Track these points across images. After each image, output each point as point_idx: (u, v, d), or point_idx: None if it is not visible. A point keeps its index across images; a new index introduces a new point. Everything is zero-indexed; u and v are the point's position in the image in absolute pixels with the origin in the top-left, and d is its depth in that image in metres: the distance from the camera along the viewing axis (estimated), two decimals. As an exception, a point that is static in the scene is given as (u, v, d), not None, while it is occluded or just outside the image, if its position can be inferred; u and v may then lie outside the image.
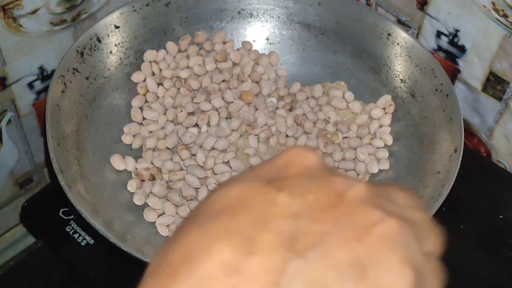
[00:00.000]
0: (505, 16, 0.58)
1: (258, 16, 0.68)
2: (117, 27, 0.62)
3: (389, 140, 0.61)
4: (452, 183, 0.52)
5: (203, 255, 0.23)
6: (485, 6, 0.59)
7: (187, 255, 0.24)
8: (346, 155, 0.60)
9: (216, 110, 0.62)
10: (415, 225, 0.27)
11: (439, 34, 0.65)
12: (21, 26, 0.58)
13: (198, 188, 0.56)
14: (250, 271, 0.23)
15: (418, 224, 0.28)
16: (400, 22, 0.68)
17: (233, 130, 0.61)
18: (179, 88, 0.63)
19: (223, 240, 0.23)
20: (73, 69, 0.58)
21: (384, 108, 0.63)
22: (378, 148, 0.61)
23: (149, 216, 0.55)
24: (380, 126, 0.62)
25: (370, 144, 0.61)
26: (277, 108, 0.63)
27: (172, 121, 0.61)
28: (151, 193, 0.56)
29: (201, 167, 0.58)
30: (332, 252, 0.24)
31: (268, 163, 0.28)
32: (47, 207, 0.63)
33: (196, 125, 0.61)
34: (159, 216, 0.56)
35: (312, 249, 0.24)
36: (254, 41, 0.68)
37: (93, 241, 0.59)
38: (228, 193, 0.26)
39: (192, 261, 0.23)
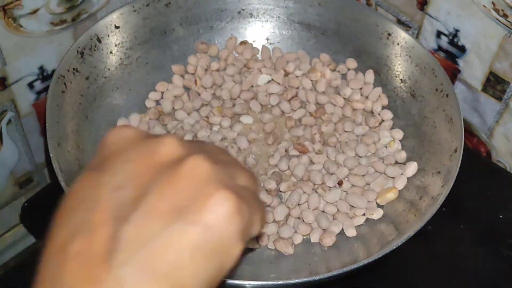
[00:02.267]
0: (505, 16, 0.58)
1: (258, 16, 0.68)
2: (117, 27, 0.62)
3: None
4: (452, 183, 0.52)
5: (58, 253, 0.27)
6: (485, 6, 0.59)
7: (48, 256, 0.28)
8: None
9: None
10: (224, 162, 0.30)
11: (439, 34, 0.65)
12: (21, 26, 0.58)
13: None
14: (91, 249, 0.26)
15: (226, 162, 0.31)
16: (400, 22, 0.68)
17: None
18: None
19: (71, 236, 0.27)
20: (73, 69, 0.58)
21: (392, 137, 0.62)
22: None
23: None
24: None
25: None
26: None
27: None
28: None
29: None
30: (152, 207, 0.27)
31: (97, 150, 0.31)
32: (47, 207, 0.62)
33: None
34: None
35: (134, 212, 0.27)
36: (254, 41, 0.68)
37: (93, 241, 0.59)
38: (71, 190, 0.29)
39: (54, 261, 0.27)
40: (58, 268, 0.27)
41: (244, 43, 0.68)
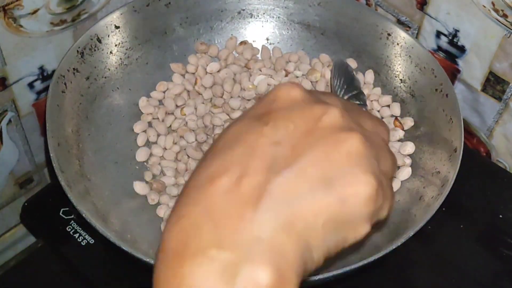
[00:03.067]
0: (504, 16, 0.58)
1: (258, 16, 0.68)
2: (117, 27, 0.62)
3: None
4: (452, 183, 0.52)
5: (209, 183, 0.29)
6: (484, 6, 0.59)
7: (197, 184, 0.29)
8: None
9: None
10: (376, 146, 0.32)
11: (438, 34, 0.66)
12: (21, 26, 0.58)
13: None
14: (240, 190, 0.28)
15: (378, 146, 0.33)
16: (400, 22, 0.68)
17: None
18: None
19: (222, 171, 0.29)
20: (74, 69, 0.59)
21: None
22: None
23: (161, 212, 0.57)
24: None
25: None
26: None
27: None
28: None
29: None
30: (304, 170, 0.29)
31: (260, 100, 0.33)
32: (47, 207, 0.63)
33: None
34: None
35: (287, 169, 0.29)
36: (254, 41, 0.68)
37: (93, 241, 0.60)
38: (228, 131, 0.32)
39: (201, 188, 0.29)
40: (203, 197, 0.29)
41: (244, 43, 0.68)
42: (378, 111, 0.63)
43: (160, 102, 0.64)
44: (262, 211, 0.28)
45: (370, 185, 0.30)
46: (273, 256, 0.27)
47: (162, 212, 0.57)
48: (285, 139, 0.30)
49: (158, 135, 0.61)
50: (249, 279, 0.27)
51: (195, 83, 0.65)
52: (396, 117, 0.62)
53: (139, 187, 0.58)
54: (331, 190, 0.29)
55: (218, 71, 0.66)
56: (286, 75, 0.66)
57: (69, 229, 0.60)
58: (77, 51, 0.59)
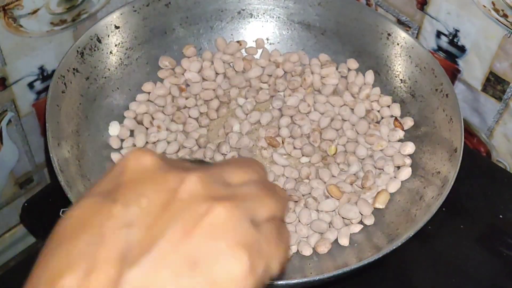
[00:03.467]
0: (505, 16, 0.58)
1: (258, 16, 0.68)
2: (117, 27, 0.62)
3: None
4: (452, 182, 0.52)
5: (49, 285, 0.24)
6: (485, 6, 0.59)
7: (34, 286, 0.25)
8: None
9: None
10: (248, 200, 0.28)
11: (439, 34, 0.65)
12: (21, 26, 0.58)
13: None
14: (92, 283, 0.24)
15: (250, 197, 0.28)
16: (400, 22, 0.68)
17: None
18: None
19: (65, 267, 0.25)
20: (73, 69, 0.58)
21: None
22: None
23: None
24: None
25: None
26: None
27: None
28: None
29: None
30: (163, 255, 0.25)
31: (107, 173, 0.28)
32: (47, 207, 0.63)
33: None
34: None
35: (144, 256, 0.25)
36: (254, 41, 0.68)
37: (93, 241, 0.59)
38: (71, 214, 0.26)
39: None
40: None
41: (240, 43, 0.68)
42: (378, 111, 0.63)
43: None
44: None
45: (240, 260, 0.26)
46: None
47: None
48: (138, 218, 0.26)
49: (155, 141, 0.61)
50: None
51: (181, 91, 0.64)
52: (396, 117, 0.62)
53: None
54: (197, 274, 0.25)
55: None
56: (282, 75, 0.66)
57: (69, 229, 0.60)
58: (77, 51, 0.59)
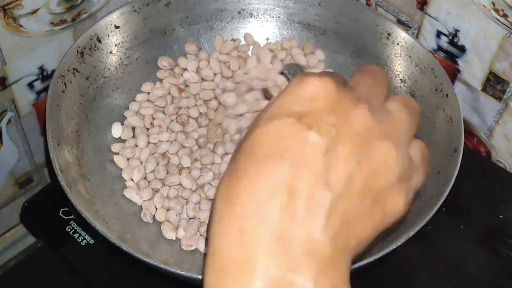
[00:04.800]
0: (505, 16, 0.58)
1: (258, 16, 0.68)
2: (117, 27, 0.62)
3: None
4: (452, 182, 0.52)
5: (268, 198, 0.28)
6: (485, 6, 0.59)
7: (253, 195, 0.28)
8: None
9: None
10: (402, 129, 0.33)
11: (439, 34, 0.65)
12: (21, 26, 0.58)
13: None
14: (297, 208, 0.28)
15: (403, 126, 0.33)
16: (400, 22, 0.68)
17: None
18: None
19: (278, 185, 0.28)
20: (73, 69, 0.58)
21: None
22: None
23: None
24: None
25: None
26: None
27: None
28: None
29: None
30: (354, 185, 0.29)
31: (290, 94, 0.31)
32: (47, 207, 0.63)
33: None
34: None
35: (339, 183, 0.29)
36: (243, 38, 0.68)
37: (93, 241, 0.59)
38: (267, 133, 0.30)
39: (260, 203, 0.28)
40: (263, 214, 0.28)
41: (234, 40, 0.68)
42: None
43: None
44: (322, 231, 0.28)
45: (404, 196, 0.31)
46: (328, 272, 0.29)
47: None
48: (331, 147, 0.29)
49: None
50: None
51: (180, 91, 0.64)
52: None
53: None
54: (377, 206, 0.30)
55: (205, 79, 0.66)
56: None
57: (69, 229, 0.60)
58: (77, 51, 0.59)
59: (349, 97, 0.31)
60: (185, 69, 0.65)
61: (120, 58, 0.63)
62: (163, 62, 0.65)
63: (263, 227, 0.28)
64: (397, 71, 0.63)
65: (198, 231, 0.55)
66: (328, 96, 0.31)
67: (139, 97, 0.63)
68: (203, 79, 0.65)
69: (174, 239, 0.55)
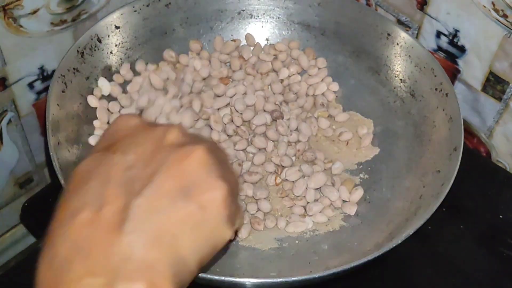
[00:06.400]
0: (504, 16, 0.58)
1: (258, 16, 0.68)
2: (117, 27, 0.62)
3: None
4: (452, 182, 0.52)
5: (71, 219, 0.30)
6: (484, 6, 0.59)
7: (60, 222, 0.30)
8: None
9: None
10: (221, 161, 0.34)
11: (439, 34, 0.66)
12: (21, 26, 0.58)
13: None
14: (102, 218, 0.30)
15: (222, 161, 0.35)
16: (400, 22, 0.69)
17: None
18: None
19: (82, 206, 0.30)
20: (74, 69, 0.59)
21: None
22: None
23: None
24: None
25: None
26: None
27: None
28: None
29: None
30: (161, 185, 0.31)
31: (103, 135, 0.36)
32: (47, 207, 0.62)
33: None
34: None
35: (146, 188, 0.31)
36: (244, 39, 0.68)
37: (93, 241, 0.59)
38: (79, 168, 0.33)
39: (65, 226, 0.30)
40: (69, 233, 0.30)
41: (234, 41, 0.68)
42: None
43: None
44: (127, 233, 0.29)
45: (223, 188, 0.32)
46: (146, 272, 0.29)
47: None
48: (137, 162, 0.32)
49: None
50: None
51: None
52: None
53: None
54: (190, 199, 0.31)
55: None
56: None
57: (69, 229, 0.60)
58: (77, 51, 0.59)
59: (157, 124, 0.35)
60: (186, 66, 0.65)
61: (120, 58, 0.63)
62: (170, 52, 0.65)
63: (67, 247, 0.29)
64: (397, 71, 0.63)
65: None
66: (132, 125, 0.35)
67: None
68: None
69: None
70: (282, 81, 0.65)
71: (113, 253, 0.29)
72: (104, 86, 0.61)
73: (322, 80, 0.66)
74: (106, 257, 0.29)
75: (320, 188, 0.58)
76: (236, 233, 0.55)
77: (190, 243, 0.31)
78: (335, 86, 0.66)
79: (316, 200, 0.57)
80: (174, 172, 0.31)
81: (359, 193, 0.58)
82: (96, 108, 0.60)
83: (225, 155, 0.37)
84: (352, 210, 0.57)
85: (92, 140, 0.58)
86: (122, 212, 0.30)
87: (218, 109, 0.62)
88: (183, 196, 0.31)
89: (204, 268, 0.33)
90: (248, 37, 0.68)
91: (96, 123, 0.59)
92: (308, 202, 0.57)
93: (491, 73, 0.63)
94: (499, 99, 0.64)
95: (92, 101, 0.60)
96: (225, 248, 0.36)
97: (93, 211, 0.30)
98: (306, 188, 0.57)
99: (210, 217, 0.32)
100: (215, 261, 0.50)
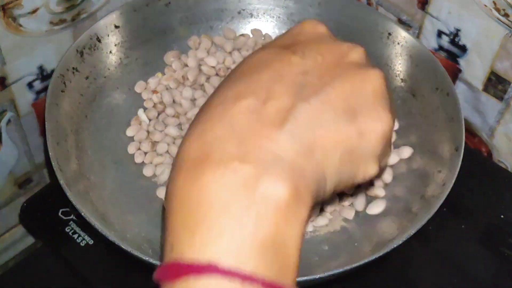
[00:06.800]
0: (506, 15, 0.58)
1: (258, 16, 0.68)
2: (117, 27, 0.62)
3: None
4: (453, 182, 0.52)
5: (234, 102, 0.29)
6: (486, 6, 0.59)
7: (221, 101, 0.30)
8: None
9: None
10: (390, 91, 0.34)
11: (440, 33, 0.65)
12: (21, 25, 0.58)
13: None
14: (266, 111, 0.29)
15: (390, 92, 0.34)
16: (401, 22, 0.68)
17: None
18: None
19: (249, 92, 0.30)
20: (73, 68, 0.58)
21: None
22: None
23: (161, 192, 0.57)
24: None
25: None
26: None
27: None
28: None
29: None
30: (330, 99, 0.30)
31: (285, 33, 0.34)
32: (46, 207, 0.63)
33: None
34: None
35: (314, 96, 0.30)
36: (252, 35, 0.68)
37: (92, 241, 0.59)
38: (253, 56, 0.32)
39: (226, 105, 0.29)
40: (229, 113, 0.29)
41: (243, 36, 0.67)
42: None
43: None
44: (286, 132, 0.29)
45: (388, 123, 0.31)
46: (292, 175, 0.28)
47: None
48: (313, 69, 0.31)
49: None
50: (267, 192, 0.27)
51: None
52: None
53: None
54: (353, 122, 0.30)
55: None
56: None
57: (68, 230, 0.60)
58: (77, 50, 0.59)
59: (342, 40, 0.34)
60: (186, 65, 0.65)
61: (120, 58, 0.63)
62: (171, 58, 0.65)
63: (223, 126, 0.29)
64: (398, 71, 0.63)
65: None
66: (318, 32, 0.34)
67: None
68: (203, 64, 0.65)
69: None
70: None
71: (268, 147, 0.28)
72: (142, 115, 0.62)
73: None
74: (260, 148, 0.28)
75: None
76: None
77: (337, 165, 0.30)
78: None
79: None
80: (347, 89, 0.31)
81: (360, 200, 0.57)
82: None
83: (391, 93, 0.35)
84: (350, 214, 0.57)
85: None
86: (286, 111, 0.29)
87: None
88: (348, 117, 0.30)
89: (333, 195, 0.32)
90: (254, 31, 0.68)
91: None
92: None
93: (492, 72, 0.63)
94: (501, 98, 0.64)
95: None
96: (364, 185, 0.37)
97: (259, 100, 0.29)
98: None
99: (364, 146, 0.31)
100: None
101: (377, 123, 0.31)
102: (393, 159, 0.59)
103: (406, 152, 0.59)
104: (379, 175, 0.52)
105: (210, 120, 0.29)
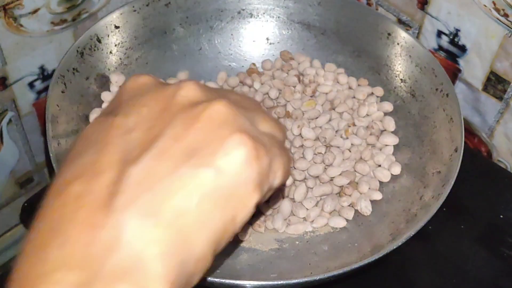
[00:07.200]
0: (505, 15, 0.58)
1: (258, 16, 0.68)
2: (117, 27, 0.62)
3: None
4: (453, 182, 0.52)
5: (61, 191, 0.26)
6: (485, 6, 0.59)
7: (48, 198, 0.27)
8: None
9: None
10: (247, 109, 0.29)
11: (439, 33, 0.65)
12: (21, 25, 0.58)
13: None
14: (92, 192, 0.25)
15: (250, 108, 0.29)
16: (400, 22, 0.68)
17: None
18: None
19: (74, 178, 0.26)
20: (73, 69, 0.58)
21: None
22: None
23: None
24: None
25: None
26: None
27: None
28: None
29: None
30: (164, 149, 0.25)
31: (113, 98, 0.31)
32: (47, 207, 0.63)
33: None
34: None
35: (144, 153, 0.25)
36: (254, 41, 0.68)
37: (93, 241, 0.59)
38: (82, 133, 0.29)
39: (49, 202, 0.26)
40: (56, 210, 0.25)
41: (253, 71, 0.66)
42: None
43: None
44: (115, 211, 0.24)
45: (245, 144, 0.26)
46: (134, 269, 0.23)
47: None
48: (138, 124, 0.27)
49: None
50: None
51: None
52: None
53: None
54: (198, 162, 0.25)
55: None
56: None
57: (69, 229, 0.60)
58: (77, 51, 0.59)
59: (170, 84, 0.30)
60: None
61: (120, 58, 0.63)
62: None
63: (43, 224, 0.26)
64: (397, 71, 0.63)
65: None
66: (140, 84, 0.30)
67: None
68: None
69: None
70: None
71: (96, 239, 0.23)
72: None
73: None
74: (87, 244, 0.23)
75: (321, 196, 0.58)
76: (281, 193, 0.53)
77: (198, 217, 0.25)
78: (386, 106, 0.63)
79: (315, 205, 0.57)
80: (180, 132, 0.26)
81: (360, 200, 0.57)
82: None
83: (256, 103, 0.31)
84: (349, 215, 0.57)
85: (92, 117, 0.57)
86: (114, 183, 0.25)
87: None
88: (190, 159, 0.25)
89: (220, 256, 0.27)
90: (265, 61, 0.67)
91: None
92: (307, 209, 0.57)
93: (492, 72, 0.63)
94: (500, 98, 0.64)
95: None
96: (228, 250, 0.29)
97: (85, 182, 0.25)
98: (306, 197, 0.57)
99: (227, 182, 0.25)
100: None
101: (227, 151, 0.26)
102: (393, 159, 0.59)
103: (406, 152, 0.60)
104: (281, 192, 0.50)
105: (34, 227, 0.26)
